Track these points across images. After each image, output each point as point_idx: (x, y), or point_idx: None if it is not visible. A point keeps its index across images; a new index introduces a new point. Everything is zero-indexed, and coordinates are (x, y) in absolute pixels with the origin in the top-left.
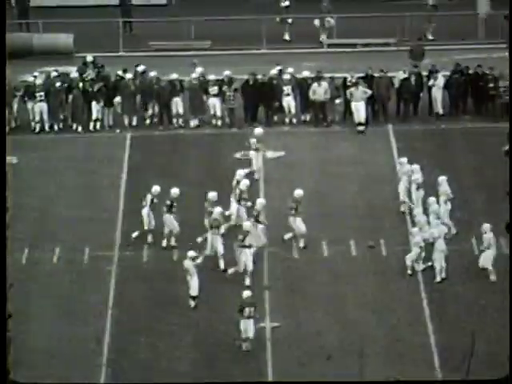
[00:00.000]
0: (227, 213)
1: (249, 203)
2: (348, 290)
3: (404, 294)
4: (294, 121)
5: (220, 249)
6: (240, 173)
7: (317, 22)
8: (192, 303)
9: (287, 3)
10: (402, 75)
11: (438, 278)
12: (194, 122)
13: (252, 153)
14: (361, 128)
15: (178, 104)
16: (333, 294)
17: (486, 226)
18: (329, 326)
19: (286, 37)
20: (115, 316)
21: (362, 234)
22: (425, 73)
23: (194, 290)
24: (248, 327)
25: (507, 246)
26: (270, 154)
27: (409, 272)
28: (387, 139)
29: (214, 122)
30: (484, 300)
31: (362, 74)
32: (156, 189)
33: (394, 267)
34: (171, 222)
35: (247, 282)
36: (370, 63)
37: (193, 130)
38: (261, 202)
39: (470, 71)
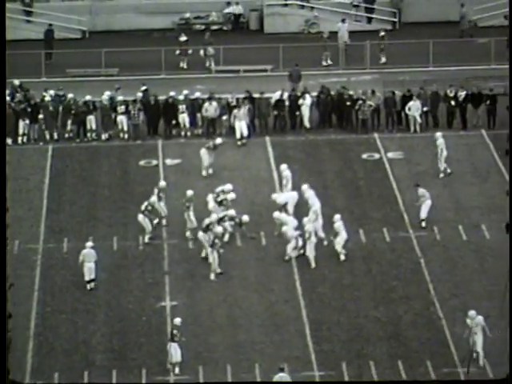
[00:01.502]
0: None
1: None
2: (234, 274)
3: (281, 277)
4: (189, 134)
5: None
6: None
7: (201, 52)
8: (88, 286)
9: (185, 38)
10: (278, 95)
11: (313, 265)
12: (105, 136)
13: (203, 150)
14: (243, 141)
15: (91, 121)
16: (222, 278)
17: (336, 217)
18: (218, 303)
19: (184, 65)
20: (40, 297)
21: (245, 227)
22: (299, 93)
23: (91, 274)
24: (176, 351)
25: (365, 235)
26: (169, 162)
27: (285, 258)
28: (265, 149)
29: (121, 135)
30: (346, 280)
31: (243, 95)
32: (162, 183)
33: (273, 254)
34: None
35: (212, 276)
36: (251, 86)
37: (104, 143)
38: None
39: (333, 92)
